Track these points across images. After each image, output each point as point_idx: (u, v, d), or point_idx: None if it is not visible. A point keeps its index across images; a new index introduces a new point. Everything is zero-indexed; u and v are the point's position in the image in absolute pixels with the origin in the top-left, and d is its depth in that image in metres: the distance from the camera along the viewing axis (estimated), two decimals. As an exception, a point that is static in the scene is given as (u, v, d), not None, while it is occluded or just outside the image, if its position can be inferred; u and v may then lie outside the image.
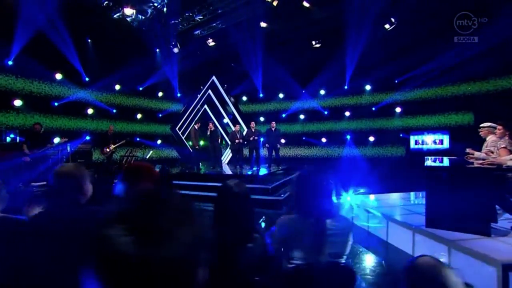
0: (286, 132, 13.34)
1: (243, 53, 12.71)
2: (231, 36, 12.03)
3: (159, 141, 12.63)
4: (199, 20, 10.49)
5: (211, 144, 9.15)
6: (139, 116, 11.89)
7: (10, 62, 8.38)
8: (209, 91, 12.62)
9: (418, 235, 3.17)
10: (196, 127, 9.43)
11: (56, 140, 7.22)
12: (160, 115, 12.91)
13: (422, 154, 9.33)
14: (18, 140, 7.27)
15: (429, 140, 10.44)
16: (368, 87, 11.60)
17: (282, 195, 6.22)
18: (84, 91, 9.97)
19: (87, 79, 10.01)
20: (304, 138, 12.84)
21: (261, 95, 13.92)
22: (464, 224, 3.05)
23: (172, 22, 10.76)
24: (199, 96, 12.36)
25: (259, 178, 6.98)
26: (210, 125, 9.18)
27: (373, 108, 11.39)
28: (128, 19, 9.23)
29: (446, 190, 3.12)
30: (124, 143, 8.15)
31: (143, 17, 10.30)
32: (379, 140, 11.26)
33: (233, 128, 9.42)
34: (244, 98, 14.37)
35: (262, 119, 13.81)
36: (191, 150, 10.45)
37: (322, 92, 12.49)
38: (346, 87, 11.94)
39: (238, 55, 12.81)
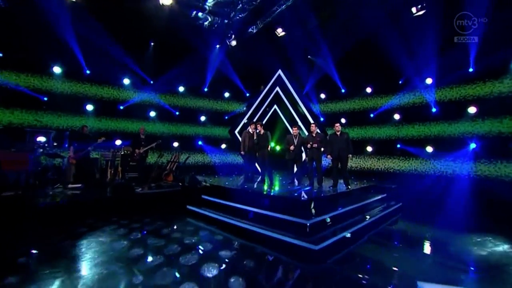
0: (374, 138, 10.16)
1: (320, 40, 10.44)
2: (302, 21, 10.01)
3: (223, 146, 11.85)
4: (256, 3, 8.94)
5: (259, 151, 7.45)
6: (202, 118, 11.40)
7: (88, 72, 9.12)
8: (277, 88, 10.96)
9: None
10: (251, 130, 7.87)
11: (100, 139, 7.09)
12: (227, 117, 12.12)
13: None
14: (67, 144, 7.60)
15: None
16: (516, 66, 7.22)
17: (323, 242, 3.86)
18: (148, 93, 10.10)
19: (151, 82, 10.11)
20: (399, 145, 9.36)
21: (342, 90, 11.17)
22: None
23: (232, 13, 9.66)
24: (262, 94, 10.87)
25: (304, 203, 4.79)
26: (258, 126, 7.48)
27: (525, 100, 6.97)
28: (166, 3, 8.51)
29: None
30: (154, 147, 7.46)
31: (202, 13, 9.61)
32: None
33: (292, 131, 7.42)
34: (322, 96, 11.92)
35: (343, 120, 11.07)
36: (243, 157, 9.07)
37: (429, 80, 8.73)
38: (470, 69, 7.89)
39: (314, 43, 10.64)
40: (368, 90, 10.45)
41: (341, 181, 6.83)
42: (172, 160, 8.28)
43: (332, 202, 5.39)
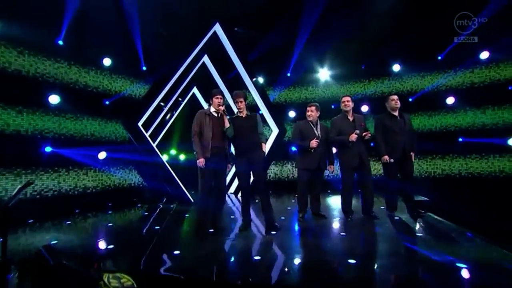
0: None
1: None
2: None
3: (102, 155, 6.24)
4: None
5: (244, 154, 3.25)
6: (54, 99, 5.48)
7: None
8: (205, 57, 6.78)
9: None
10: (214, 110, 3.36)
11: None
12: (108, 102, 6.59)
13: None
14: None
15: None
16: None
17: None
18: None
19: None
20: (372, 144, 7.44)
21: (288, 74, 8.34)
22: None
23: None
24: (184, 64, 6.39)
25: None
26: (240, 102, 3.33)
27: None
28: None
29: None
30: None
31: None
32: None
33: (307, 113, 3.64)
34: (260, 80, 8.63)
35: (292, 114, 8.21)
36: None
37: (396, 67, 7.33)
38: (439, 57, 6.96)
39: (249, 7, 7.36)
40: (324, 76, 8.13)
41: (413, 208, 3.78)
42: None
43: None
